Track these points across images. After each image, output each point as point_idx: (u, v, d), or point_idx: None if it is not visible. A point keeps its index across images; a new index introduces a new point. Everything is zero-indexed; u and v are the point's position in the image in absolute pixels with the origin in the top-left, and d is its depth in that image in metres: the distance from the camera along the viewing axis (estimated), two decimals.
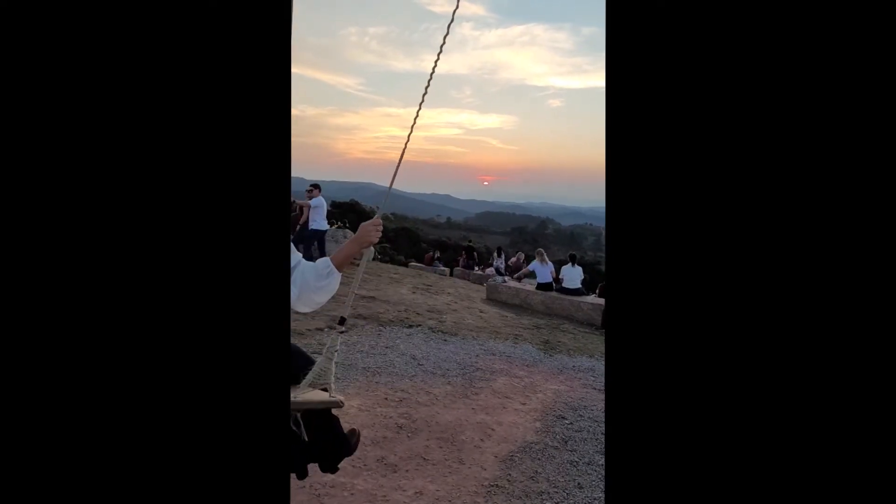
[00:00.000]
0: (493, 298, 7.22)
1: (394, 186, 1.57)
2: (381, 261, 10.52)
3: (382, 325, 4.51)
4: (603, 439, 2.83)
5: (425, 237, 25.71)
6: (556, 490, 2.25)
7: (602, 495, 2.27)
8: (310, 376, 1.32)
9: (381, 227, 1.43)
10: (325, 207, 6.80)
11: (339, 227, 8.05)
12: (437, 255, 12.39)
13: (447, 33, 1.41)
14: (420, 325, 4.69)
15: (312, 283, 1.33)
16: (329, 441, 1.38)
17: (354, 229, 9.04)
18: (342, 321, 1.43)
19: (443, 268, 11.20)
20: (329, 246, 7.13)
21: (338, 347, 1.39)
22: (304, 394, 1.30)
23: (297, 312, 1.41)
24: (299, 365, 1.38)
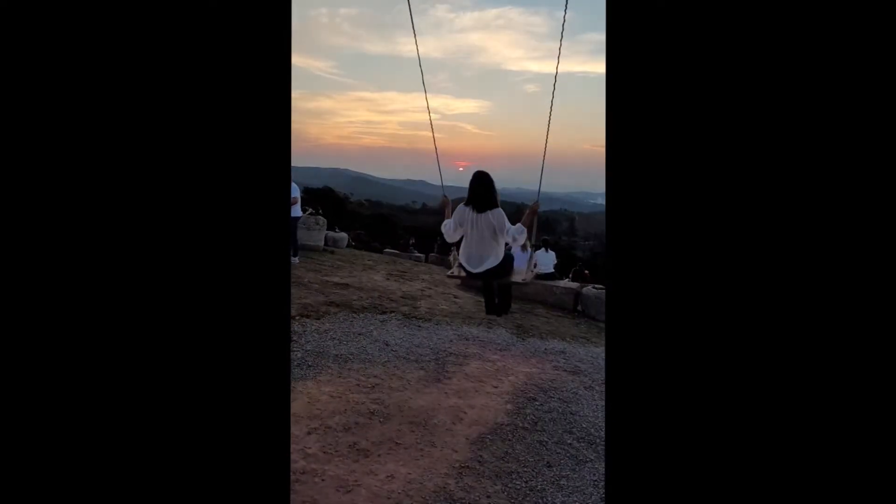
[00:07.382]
0: (467, 284, 7.26)
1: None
2: (356, 247, 10.44)
3: (355, 313, 4.50)
4: (571, 419, 2.91)
5: (401, 223, 25.62)
6: (525, 469, 2.31)
7: (570, 473, 2.34)
8: (516, 276, 3.04)
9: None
10: (297, 194, 6.62)
11: (311, 214, 7.90)
12: (413, 241, 12.34)
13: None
14: (394, 312, 4.69)
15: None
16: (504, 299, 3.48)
17: (328, 216, 8.76)
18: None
19: (418, 254, 11.18)
20: (301, 233, 6.98)
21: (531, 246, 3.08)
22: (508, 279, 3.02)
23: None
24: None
